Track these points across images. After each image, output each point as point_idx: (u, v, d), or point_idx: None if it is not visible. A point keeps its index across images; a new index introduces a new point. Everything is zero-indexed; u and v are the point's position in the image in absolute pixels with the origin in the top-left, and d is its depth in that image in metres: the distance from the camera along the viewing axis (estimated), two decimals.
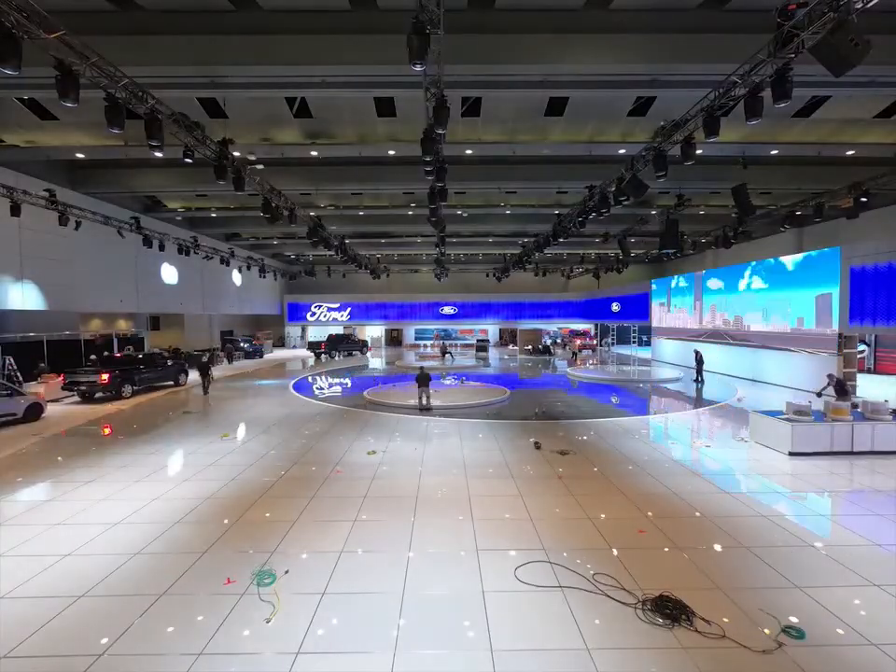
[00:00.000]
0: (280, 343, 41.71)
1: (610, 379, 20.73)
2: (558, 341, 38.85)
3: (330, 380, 21.56)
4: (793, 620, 4.10)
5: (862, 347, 20.49)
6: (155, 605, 4.39)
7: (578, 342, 36.19)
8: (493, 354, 34.81)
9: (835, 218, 19.77)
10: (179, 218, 24.93)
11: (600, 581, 4.69)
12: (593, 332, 40.85)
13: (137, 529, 5.98)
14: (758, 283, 19.27)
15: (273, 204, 14.80)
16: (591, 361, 29.06)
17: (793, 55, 6.92)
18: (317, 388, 18.69)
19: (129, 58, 9.16)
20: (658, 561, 5.14)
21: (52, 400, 15.15)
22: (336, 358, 31.54)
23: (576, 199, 18.52)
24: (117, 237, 18.56)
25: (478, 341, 36.27)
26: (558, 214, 19.70)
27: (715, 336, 22.21)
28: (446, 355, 29.27)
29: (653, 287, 28.83)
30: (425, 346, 39.76)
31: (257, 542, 5.59)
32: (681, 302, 25.31)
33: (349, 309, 42.38)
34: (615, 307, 36.40)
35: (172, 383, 18.65)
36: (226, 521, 6.20)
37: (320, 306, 42.14)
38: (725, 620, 4.10)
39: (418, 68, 7.04)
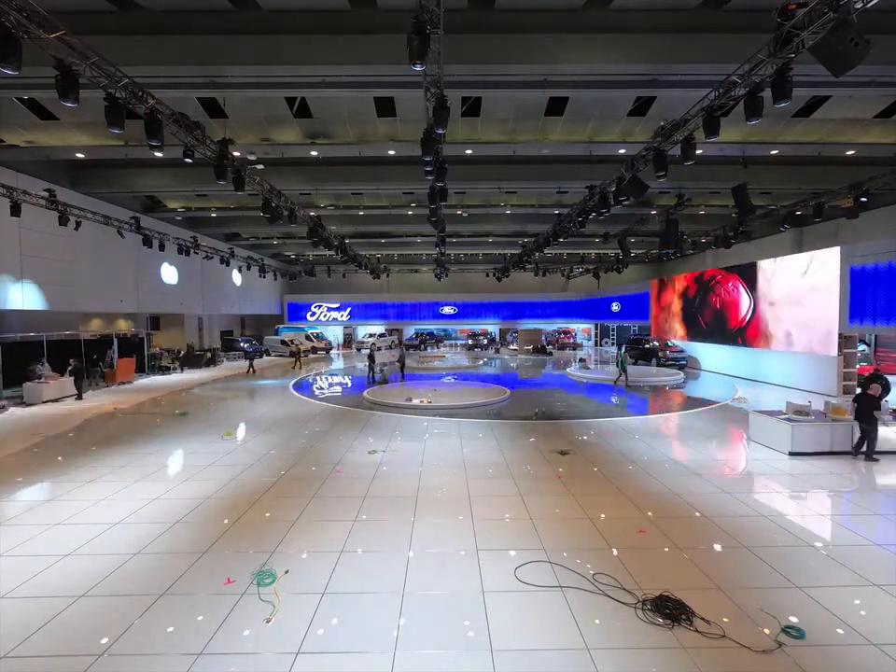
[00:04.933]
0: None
1: (610, 379, 20.70)
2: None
3: None
4: (793, 620, 4.10)
5: (862, 347, 20.49)
6: (155, 605, 4.39)
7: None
8: (490, 353, 34.86)
9: (835, 218, 19.79)
10: (179, 218, 24.93)
11: (600, 580, 4.69)
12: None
13: (137, 529, 5.98)
14: None
15: (273, 204, 14.81)
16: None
17: (793, 55, 6.92)
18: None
19: (129, 58, 9.17)
20: (658, 561, 5.14)
21: (53, 400, 15.15)
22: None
23: (576, 199, 18.53)
24: (117, 237, 18.57)
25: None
26: (558, 214, 19.70)
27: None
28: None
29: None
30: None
31: (257, 542, 5.58)
32: None
33: (349, 309, 42.40)
34: (615, 307, 36.38)
35: None
36: (226, 521, 6.20)
37: (320, 306, 42.16)
38: (725, 620, 4.10)
39: (418, 68, 7.05)
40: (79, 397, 15.72)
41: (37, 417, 13.11)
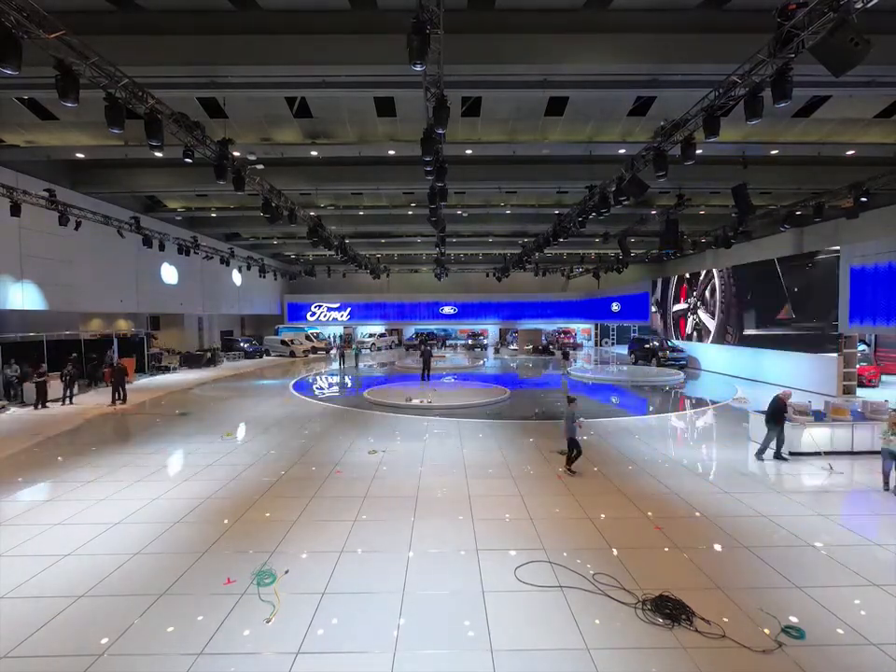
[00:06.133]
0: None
1: (611, 379, 20.72)
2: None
3: None
4: (793, 620, 4.10)
5: (862, 347, 20.50)
6: (155, 605, 4.39)
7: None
8: (490, 353, 34.88)
9: (835, 218, 19.78)
10: (179, 218, 24.92)
11: (600, 580, 4.69)
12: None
13: (137, 529, 5.98)
14: None
15: (273, 204, 14.80)
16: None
17: (793, 55, 6.91)
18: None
19: (129, 58, 9.15)
20: (658, 561, 5.14)
21: (53, 400, 15.13)
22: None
23: (576, 199, 18.51)
24: (117, 237, 18.54)
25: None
26: (558, 214, 19.68)
27: None
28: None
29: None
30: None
31: (257, 542, 5.59)
32: None
33: (349, 309, 42.44)
34: (615, 307, 36.39)
35: None
36: (226, 521, 6.20)
37: (320, 306, 42.19)
38: (725, 620, 4.10)
39: (418, 68, 7.05)
40: (69, 401, 15.10)
41: (37, 417, 13.12)
